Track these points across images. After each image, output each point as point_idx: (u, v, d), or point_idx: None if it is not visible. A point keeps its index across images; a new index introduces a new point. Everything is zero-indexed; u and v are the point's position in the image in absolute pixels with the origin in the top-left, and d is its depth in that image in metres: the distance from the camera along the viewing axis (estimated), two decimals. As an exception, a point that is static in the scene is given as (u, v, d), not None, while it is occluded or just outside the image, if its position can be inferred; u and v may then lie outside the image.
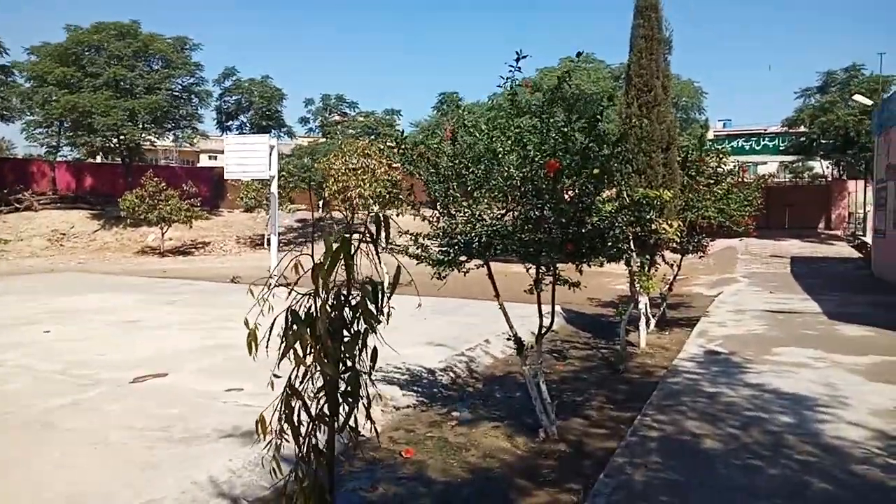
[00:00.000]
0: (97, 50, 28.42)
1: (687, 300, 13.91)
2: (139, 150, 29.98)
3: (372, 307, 2.70)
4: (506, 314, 5.42)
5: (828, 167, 34.65)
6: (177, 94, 31.06)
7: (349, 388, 2.68)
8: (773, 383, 6.43)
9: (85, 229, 29.36)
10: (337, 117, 33.96)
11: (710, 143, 11.58)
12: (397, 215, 5.07)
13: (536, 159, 4.71)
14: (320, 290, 2.68)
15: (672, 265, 10.69)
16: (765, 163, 40.28)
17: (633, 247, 7.44)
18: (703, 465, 4.39)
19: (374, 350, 2.82)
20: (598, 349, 9.07)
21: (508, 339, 5.47)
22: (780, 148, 32.21)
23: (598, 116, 4.56)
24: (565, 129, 4.69)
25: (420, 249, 5.38)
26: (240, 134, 31.76)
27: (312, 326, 2.64)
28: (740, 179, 10.76)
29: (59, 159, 33.30)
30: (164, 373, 6.96)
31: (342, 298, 2.75)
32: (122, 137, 28.29)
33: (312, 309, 2.70)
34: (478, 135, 4.96)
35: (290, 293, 2.72)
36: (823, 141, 28.30)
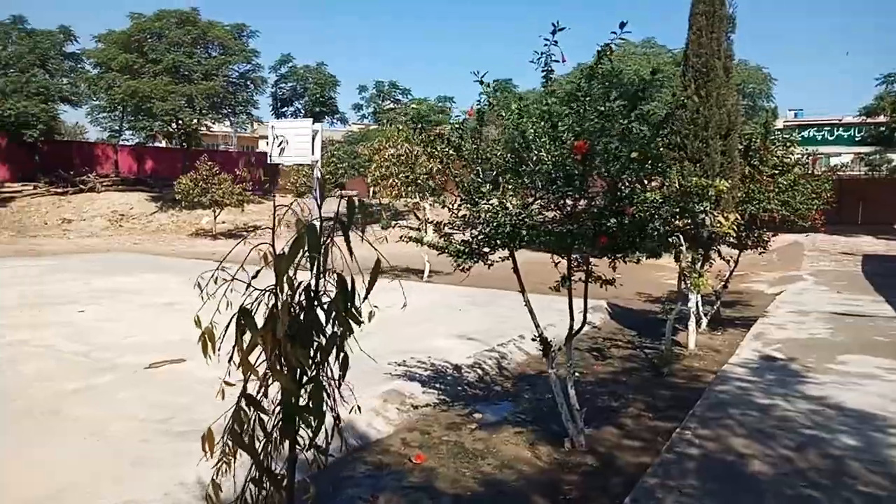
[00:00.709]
0: (158, 37, 29.03)
1: (745, 298, 13.03)
2: (197, 135, 30.54)
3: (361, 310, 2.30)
4: (531, 311, 4.95)
5: (908, 160, 32.36)
6: (234, 80, 31.47)
7: (311, 403, 2.28)
8: (837, 397, 5.74)
9: (143, 211, 30.16)
10: (390, 104, 33.77)
11: (778, 133, 10.68)
12: (432, 205, 4.68)
13: (568, 142, 4.21)
14: (283, 285, 2.29)
15: (729, 261, 9.94)
16: (839, 154, 37.96)
17: (682, 241, 6.82)
18: (748, 494, 3.83)
19: (345, 358, 2.42)
20: (643, 349, 8.47)
21: (534, 339, 5.00)
22: (857, 138, 30.17)
23: (640, 93, 4.01)
24: (602, 108, 4.17)
25: (443, 239, 4.98)
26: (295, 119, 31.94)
27: (272, 328, 2.26)
28: (810, 171, 9.88)
29: (122, 143, 34.30)
30: (182, 359, 6.78)
31: (311, 296, 2.36)
32: (179, 122, 28.85)
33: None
34: (505, 114, 4.47)
35: (247, 287, 2.35)
36: (905, 131, 26.34)
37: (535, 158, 4.47)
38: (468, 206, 4.59)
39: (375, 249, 2.47)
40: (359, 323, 2.57)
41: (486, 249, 4.82)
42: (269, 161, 15.06)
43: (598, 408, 5.91)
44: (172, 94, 27.18)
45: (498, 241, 4.72)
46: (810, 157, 10.01)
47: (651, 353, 8.18)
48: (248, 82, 31.67)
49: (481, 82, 4.36)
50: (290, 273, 2.27)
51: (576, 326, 5.02)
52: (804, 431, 4.85)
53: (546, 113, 4.12)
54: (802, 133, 30.51)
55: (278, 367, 2.21)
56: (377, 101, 34.35)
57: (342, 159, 25.50)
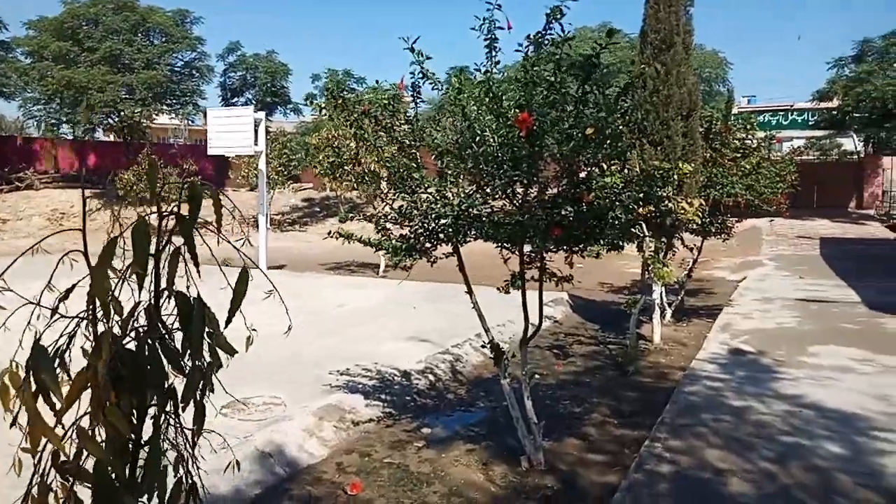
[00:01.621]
0: (95, 24, 27.44)
1: (707, 286, 12.74)
2: (140, 128, 29.07)
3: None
4: (480, 314, 4.36)
5: (860, 143, 32.84)
6: (178, 69, 30.03)
7: (146, 474, 1.63)
8: (813, 395, 5.31)
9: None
10: (344, 93, 32.71)
11: (737, 116, 10.32)
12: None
13: (514, 119, 3.60)
14: (109, 311, 1.64)
15: (692, 249, 9.54)
16: (790, 139, 38.37)
17: (645, 230, 6.33)
18: (730, 522, 3.32)
19: (201, 409, 1.78)
20: (607, 344, 7.99)
21: (484, 346, 4.41)
22: (810, 123, 30.44)
23: (595, 60, 3.43)
24: (551, 78, 3.58)
25: (379, 234, 4.34)
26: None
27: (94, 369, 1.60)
28: (770, 153, 9.53)
29: (61, 138, 32.55)
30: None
31: (152, 322, 1.71)
32: (121, 114, 27.39)
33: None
34: (442, 87, 3.85)
35: (53, 313, 1.69)
36: (857, 114, 26.53)
37: (477, 139, 3.87)
38: (404, 196, 3.96)
39: (237, 249, 1.83)
40: (232, 353, 1.95)
41: (428, 245, 4.21)
42: (208, 152, 14.08)
43: (559, 415, 5.37)
44: (111, 85, 25.71)
45: (441, 236, 4.12)
46: (773, 139, 9.65)
47: (615, 348, 7.70)
48: (194, 71, 30.26)
49: (412, 50, 3.72)
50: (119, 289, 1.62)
51: (531, 329, 4.45)
52: (784, 439, 4.38)
53: (486, 85, 3.50)
54: (758, 118, 30.59)
55: (90, 429, 1.55)
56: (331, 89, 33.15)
57: (295, 151, 24.47)
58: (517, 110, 3.25)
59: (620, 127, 3.77)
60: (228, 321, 1.83)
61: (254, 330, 1.93)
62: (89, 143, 33.65)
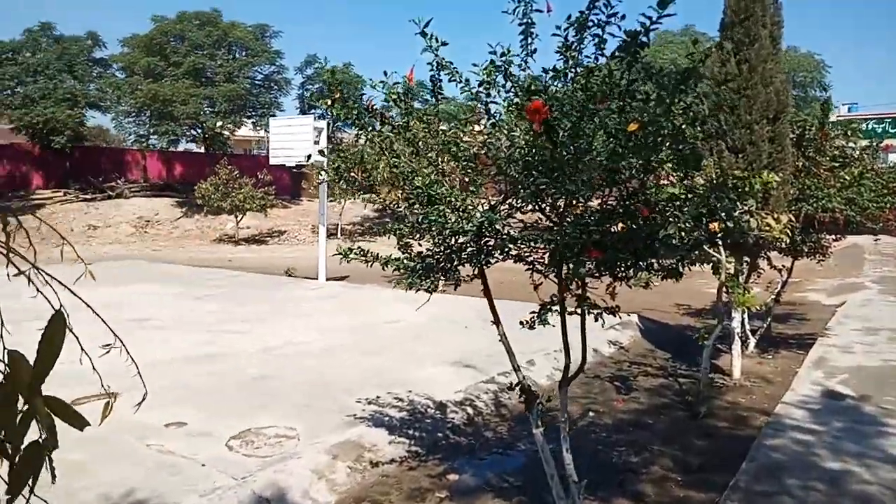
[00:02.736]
0: (181, 39, 28.59)
1: (800, 311, 11.42)
2: (221, 139, 29.97)
3: None
4: (508, 349, 3.69)
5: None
6: (257, 82, 30.86)
7: None
8: (933, 458, 4.29)
9: (168, 217, 29.75)
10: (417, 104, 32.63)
11: (835, 123, 9.12)
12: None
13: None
14: None
15: (781, 270, 8.44)
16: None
17: (722, 250, 5.45)
18: None
19: None
20: (677, 377, 7.07)
21: (511, 388, 3.74)
22: (922, 131, 27.71)
23: (643, 39, 2.72)
24: (593, 65, 2.90)
25: (401, 249, 3.75)
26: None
27: None
28: (879, 162, 8.30)
29: (150, 149, 34.09)
30: (114, 392, 5.68)
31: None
32: (203, 126, 28.34)
33: None
34: (461, 79, 3.23)
35: None
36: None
37: (504, 141, 3.22)
38: (416, 207, 3.36)
39: (75, 295, 1.26)
40: (83, 427, 1.41)
41: (448, 265, 3.58)
42: (270, 161, 14.01)
43: (611, 466, 4.59)
44: (193, 98, 26.64)
45: (463, 256, 3.48)
46: (879, 145, 8.40)
47: (687, 383, 6.78)
48: (273, 84, 31.00)
49: (424, 34, 3.11)
50: None
51: (574, 367, 3.73)
52: (895, 521, 3.45)
53: (511, 76, 2.85)
54: (861, 125, 28.11)
55: None
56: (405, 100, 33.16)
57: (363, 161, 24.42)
58: (529, 97, 2.58)
59: (682, 126, 3.01)
60: (39, 378, 1.26)
61: (110, 394, 1.34)
62: (176, 154, 35.10)
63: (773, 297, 8.59)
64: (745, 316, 7.28)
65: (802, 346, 8.22)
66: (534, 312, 3.22)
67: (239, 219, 26.46)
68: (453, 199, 3.05)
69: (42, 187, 32.58)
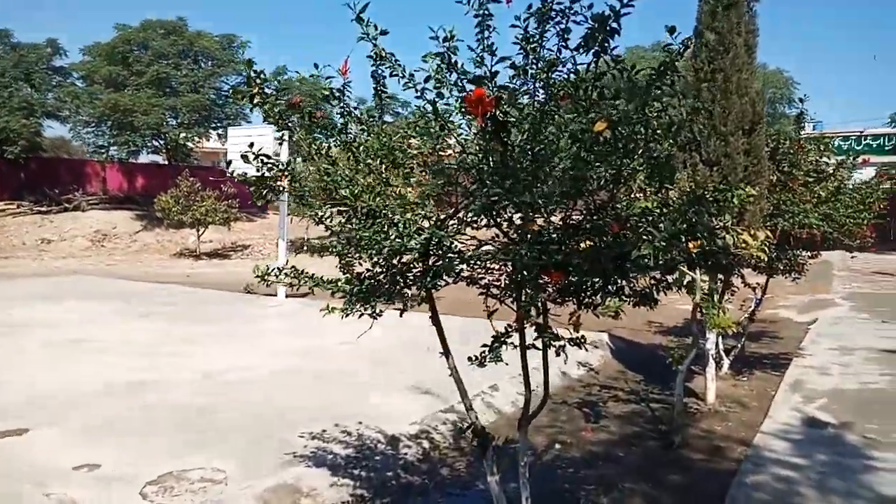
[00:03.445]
0: (144, 48, 27.79)
1: (771, 328, 11.17)
2: (184, 150, 29.13)
3: None
4: (459, 384, 3.22)
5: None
6: (224, 92, 30.12)
7: None
8: (928, 498, 3.92)
9: (127, 230, 28.76)
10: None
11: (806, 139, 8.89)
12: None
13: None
14: None
15: (755, 287, 8.13)
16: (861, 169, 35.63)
17: (692, 267, 5.06)
18: None
19: None
20: (649, 402, 6.66)
21: (462, 432, 3.27)
22: (887, 148, 28.05)
23: (613, 24, 2.30)
24: (554, 49, 2.48)
25: (342, 269, 3.25)
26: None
27: None
28: (853, 176, 8.05)
29: (111, 160, 33.06)
30: (26, 428, 5.08)
31: None
32: (165, 137, 27.50)
33: None
34: (402, 71, 2.77)
35: None
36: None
37: (453, 141, 2.78)
38: (354, 222, 2.88)
39: None
40: None
41: (392, 287, 3.10)
42: (229, 173, 13.36)
43: (578, 509, 4.13)
44: (156, 108, 25.83)
45: (409, 277, 3.01)
46: (856, 158, 8.16)
47: (659, 408, 6.37)
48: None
49: (360, 20, 2.65)
50: None
51: (534, 405, 3.28)
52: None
53: (457, 67, 2.40)
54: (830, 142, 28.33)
55: None
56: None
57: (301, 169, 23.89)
58: (471, 85, 2.12)
59: (655, 129, 2.60)
60: None
61: None
62: (138, 166, 34.08)
63: (747, 316, 8.27)
64: (718, 339, 6.92)
65: (777, 367, 7.92)
66: (485, 347, 2.76)
67: (200, 233, 25.63)
68: (390, 213, 2.58)
69: (-5, 199, 31.34)
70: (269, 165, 3.03)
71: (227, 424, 5.26)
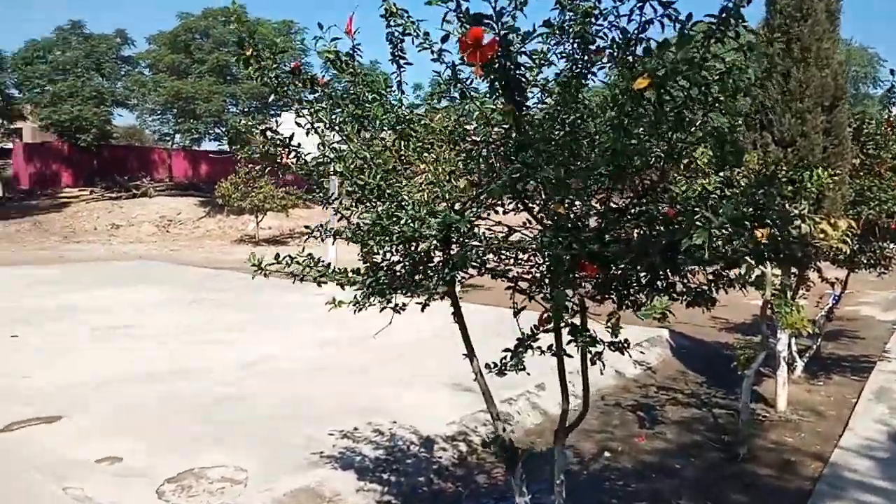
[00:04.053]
0: (205, 36, 28.29)
1: (851, 327, 10.26)
2: (241, 137, 29.55)
3: None
4: (485, 390, 2.84)
5: None
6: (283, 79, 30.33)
7: None
8: None
9: (191, 216, 29.49)
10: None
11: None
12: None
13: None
14: None
15: (833, 283, 7.38)
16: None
17: (764, 261, 4.50)
18: None
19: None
20: (712, 406, 6.10)
21: (486, 444, 2.91)
22: None
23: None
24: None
25: (364, 259, 2.92)
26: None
27: None
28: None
29: (176, 147, 34.00)
30: (58, 416, 5.01)
31: None
32: (225, 124, 27.99)
33: None
34: (415, 30, 2.39)
35: None
36: None
37: (476, 113, 2.39)
38: (359, 201, 2.55)
39: None
40: None
41: (410, 279, 2.75)
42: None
43: (625, 528, 3.70)
44: (216, 95, 26.27)
45: (429, 268, 2.65)
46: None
47: (723, 415, 5.81)
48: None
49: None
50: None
51: (576, 411, 2.87)
52: None
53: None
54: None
55: None
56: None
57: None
58: (466, 24, 1.71)
59: (716, 94, 2.13)
60: None
61: None
62: (202, 153, 34.94)
63: (823, 313, 7.54)
64: (792, 340, 6.28)
65: (858, 371, 7.18)
66: (507, 352, 2.36)
67: (259, 219, 26.00)
68: (400, 194, 2.22)
69: (71, 185, 32.75)
70: (274, 141, 2.70)
71: (256, 418, 5.05)
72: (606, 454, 4.91)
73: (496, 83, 1.54)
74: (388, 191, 2.22)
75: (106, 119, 29.87)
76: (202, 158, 34.55)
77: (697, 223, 1.71)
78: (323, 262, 2.98)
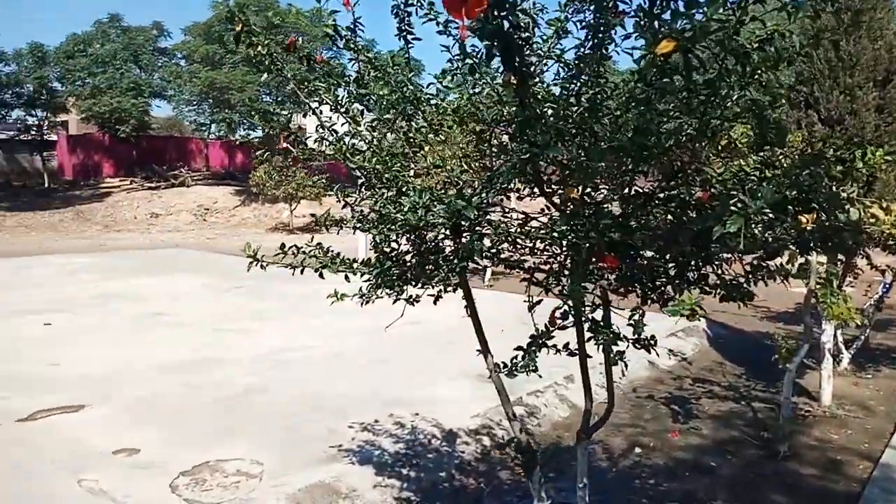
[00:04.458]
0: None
1: (901, 315, 9.74)
2: (268, 118, 29.73)
3: None
4: (500, 388, 2.66)
5: None
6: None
7: None
8: None
9: (227, 205, 29.87)
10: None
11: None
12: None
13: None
14: None
15: (884, 270, 6.96)
16: None
17: (808, 249, 4.21)
18: None
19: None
20: (751, 400, 5.81)
21: (503, 446, 2.73)
22: None
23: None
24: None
25: (376, 249, 2.77)
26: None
27: None
28: None
29: (212, 137, 34.42)
30: (82, 404, 5.01)
31: None
32: (259, 113, 28.14)
33: None
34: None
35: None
36: None
37: (487, 91, 2.20)
38: (364, 187, 2.39)
39: None
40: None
41: (419, 270, 2.58)
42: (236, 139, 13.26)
43: (655, 532, 3.49)
44: (249, 84, 26.42)
45: (440, 257, 2.48)
46: None
47: (763, 409, 5.53)
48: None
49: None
50: None
51: (599, 412, 2.67)
52: None
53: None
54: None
55: None
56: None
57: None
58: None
59: (755, 63, 1.90)
60: None
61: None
62: (238, 142, 35.31)
63: (872, 302, 7.13)
64: (837, 331, 5.93)
65: (909, 363, 6.79)
66: (513, 361, 2.17)
67: (293, 207, 26.15)
68: (398, 178, 2.04)
69: (112, 176, 33.53)
70: (273, 125, 2.55)
71: (273, 410, 4.97)
72: (637, 450, 4.69)
73: (493, 48, 1.35)
74: (386, 175, 2.05)
75: (144, 110, 30.38)
76: (238, 148, 34.93)
77: (732, 208, 1.49)
78: (333, 251, 2.84)
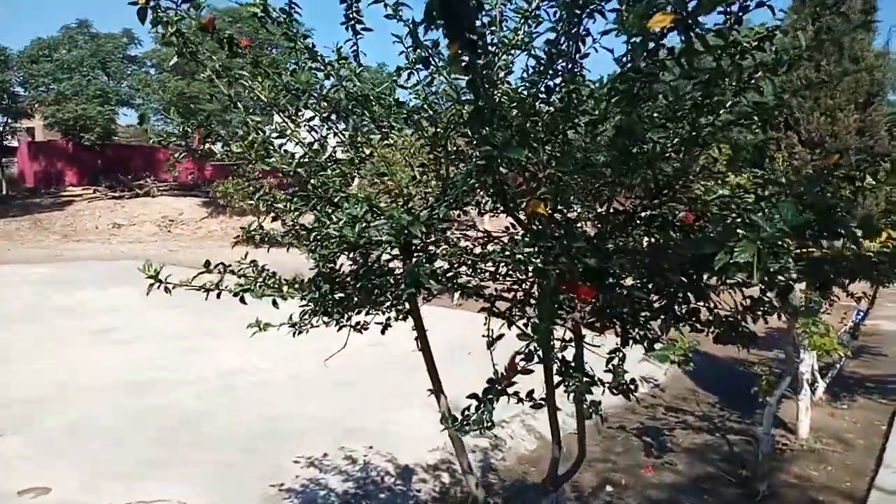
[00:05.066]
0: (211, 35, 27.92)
1: (872, 342, 9.61)
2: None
3: None
4: (454, 437, 2.31)
5: None
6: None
7: None
8: None
9: (193, 216, 29.16)
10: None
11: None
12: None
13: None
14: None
15: (860, 298, 6.79)
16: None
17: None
18: None
19: None
20: (726, 432, 5.53)
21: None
22: None
23: None
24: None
25: (318, 266, 2.39)
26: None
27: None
28: None
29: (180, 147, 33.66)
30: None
31: None
32: (229, 124, 27.64)
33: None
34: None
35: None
36: None
37: (443, 87, 1.88)
38: (293, 198, 2.04)
39: None
40: None
41: (366, 296, 2.22)
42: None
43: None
44: (219, 94, 25.88)
45: (387, 282, 2.13)
46: None
47: (739, 443, 5.25)
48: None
49: None
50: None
51: (567, 461, 2.34)
52: None
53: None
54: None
55: None
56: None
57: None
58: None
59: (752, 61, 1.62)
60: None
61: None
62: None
63: (847, 330, 6.96)
64: (814, 362, 5.70)
65: (885, 392, 6.60)
66: (486, 388, 1.82)
67: (262, 220, 25.56)
68: (327, 185, 1.70)
69: (74, 184, 32.50)
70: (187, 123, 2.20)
71: (217, 440, 4.54)
72: (608, 488, 4.36)
73: (432, 10, 1.02)
74: (311, 180, 1.71)
75: (110, 118, 29.66)
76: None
77: (741, 231, 1.17)
78: (268, 270, 2.49)
